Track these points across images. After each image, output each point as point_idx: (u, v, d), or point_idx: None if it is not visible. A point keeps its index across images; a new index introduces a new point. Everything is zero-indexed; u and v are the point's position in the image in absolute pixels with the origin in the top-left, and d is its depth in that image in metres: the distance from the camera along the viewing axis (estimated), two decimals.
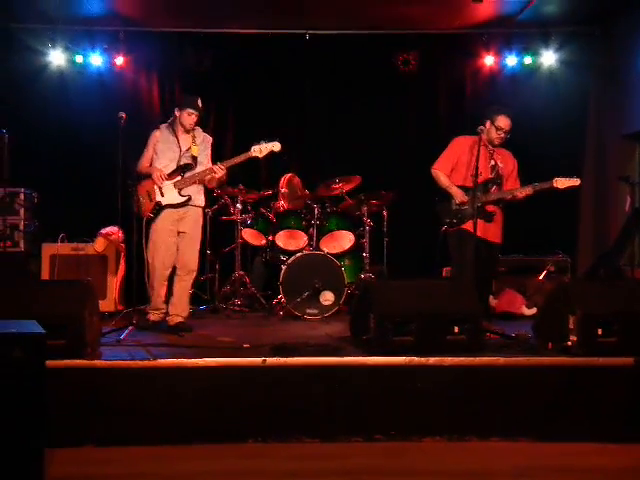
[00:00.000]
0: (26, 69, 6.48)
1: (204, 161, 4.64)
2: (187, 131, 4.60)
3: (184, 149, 4.58)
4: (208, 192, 5.24)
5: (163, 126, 4.66)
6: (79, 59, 6.57)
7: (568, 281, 5.48)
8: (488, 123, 4.67)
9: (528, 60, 6.81)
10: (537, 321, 4.03)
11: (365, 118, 6.85)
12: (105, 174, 5.11)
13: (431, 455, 3.21)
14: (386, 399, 3.37)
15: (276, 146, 4.58)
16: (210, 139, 4.74)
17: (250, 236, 5.84)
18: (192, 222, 4.61)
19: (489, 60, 6.80)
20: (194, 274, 4.69)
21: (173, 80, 6.90)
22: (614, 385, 3.38)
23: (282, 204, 5.91)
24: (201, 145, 4.63)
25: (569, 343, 3.54)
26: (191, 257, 4.61)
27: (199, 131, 4.70)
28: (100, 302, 4.31)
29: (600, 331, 3.49)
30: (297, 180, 6.19)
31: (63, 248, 5.51)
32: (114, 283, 5.52)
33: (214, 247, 6.11)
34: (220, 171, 4.53)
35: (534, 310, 5.27)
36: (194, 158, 4.57)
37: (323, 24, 6.61)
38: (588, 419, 3.36)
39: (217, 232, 6.21)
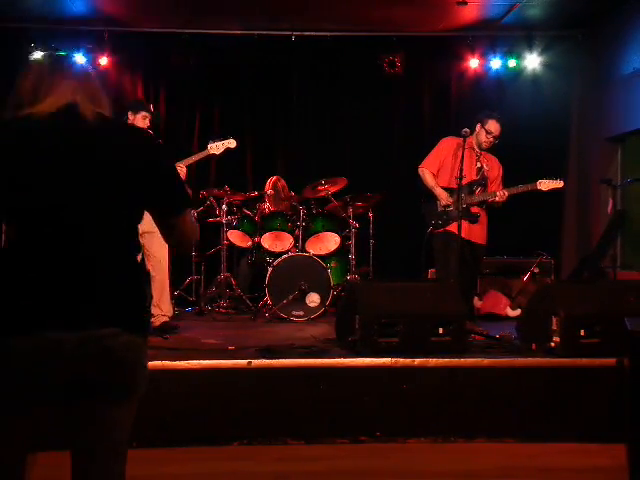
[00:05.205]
0: (8, 69, 6.40)
1: None
2: None
3: None
4: (194, 194, 5.19)
5: None
6: None
7: (551, 283, 5.53)
8: (478, 126, 4.70)
9: (512, 63, 6.87)
10: (521, 322, 4.05)
11: (351, 120, 6.87)
12: None
13: (416, 456, 3.21)
14: (371, 400, 3.37)
15: (232, 143, 4.76)
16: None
17: (236, 238, 5.81)
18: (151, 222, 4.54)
19: (474, 63, 6.85)
20: (165, 266, 4.60)
21: (158, 81, 6.87)
22: (597, 385, 3.41)
23: (268, 206, 5.89)
24: None
25: (552, 344, 3.57)
26: (158, 253, 4.53)
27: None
28: None
29: (583, 332, 3.52)
30: (283, 182, 6.20)
31: None
32: None
33: (199, 249, 6.08)
34: (180, 170, 4.51)
35: (518, 311, 5.31)
36: None
37: (309, 26, 6.62)
38: (572, 419, 3.39)
39: (202, 234, 6.12)
